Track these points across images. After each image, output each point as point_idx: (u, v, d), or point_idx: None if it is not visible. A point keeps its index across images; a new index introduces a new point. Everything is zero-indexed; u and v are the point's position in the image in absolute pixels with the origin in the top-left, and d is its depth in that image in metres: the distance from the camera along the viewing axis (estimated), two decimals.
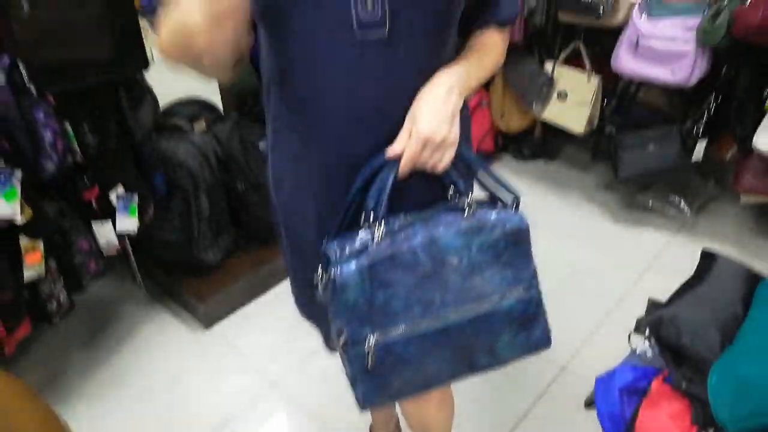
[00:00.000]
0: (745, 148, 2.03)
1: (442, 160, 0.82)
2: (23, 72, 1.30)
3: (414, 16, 0.77)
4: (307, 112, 0.84)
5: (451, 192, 0.87)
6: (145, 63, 1.40)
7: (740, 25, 1.79)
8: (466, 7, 0.84)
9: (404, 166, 0.80)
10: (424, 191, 0.88)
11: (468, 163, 0.87)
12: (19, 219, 1.29)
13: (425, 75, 0.82)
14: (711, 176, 2.49)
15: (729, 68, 2.04)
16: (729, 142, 2.19)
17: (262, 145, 2.05)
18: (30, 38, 1.14)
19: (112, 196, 1.61)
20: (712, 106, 2.09)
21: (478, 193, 0.91)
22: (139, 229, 1.70)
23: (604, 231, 2.36)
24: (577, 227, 2.39)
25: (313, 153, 0.87)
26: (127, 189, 1.65)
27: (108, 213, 1.61)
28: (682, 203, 2.40)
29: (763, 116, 1.88)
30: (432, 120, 0.79)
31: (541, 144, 2.83)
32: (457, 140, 0.82)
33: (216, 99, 2.22)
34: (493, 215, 0.85)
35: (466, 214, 0.84)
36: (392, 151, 0.81)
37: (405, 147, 0.80)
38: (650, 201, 2.46)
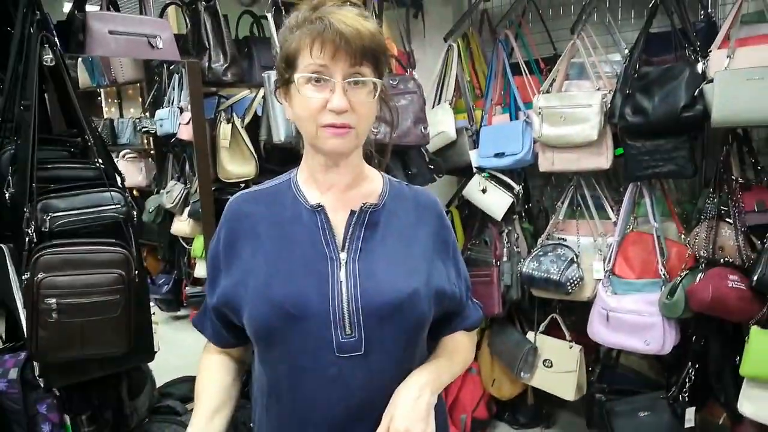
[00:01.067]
0: (734, 414, 2.05)
1: None
2: (36, 368, 1.41)
3: (385, 337, 0.90)
4: (291, 422, 0.93)
5: None
6: (152, 354, 1.52)
7: (695, 301, 1.97)
8: (434, 321, 0.98)
9: None
10: None
11: None
12: None
13: (398, 380, 0.92)
14: None
15: (698, 337, 2.17)
16: (718, 407, 2.21)
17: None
18: (52, 341, 1.26)
19: None
20: (692, 373, 2.17)
21: None
22: None
23: None
24: None
25: None
26: None
27: None
28: None
29: (742, 380, 1.95)
30: (407, 416, 0.87)
31: (536, 410, 2.81)
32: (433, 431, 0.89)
33: None
34: None
35: None
36: None
37: None
38: None
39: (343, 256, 0.91)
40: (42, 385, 1.41)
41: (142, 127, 3.97)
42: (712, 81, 1.91)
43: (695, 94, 1.94)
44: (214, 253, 0.99)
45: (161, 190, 3.76)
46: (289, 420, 0.93)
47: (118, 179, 1.47)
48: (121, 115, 4.36)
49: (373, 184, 1.00)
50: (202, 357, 1.08)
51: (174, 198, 3.88)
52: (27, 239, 1.28)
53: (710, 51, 1.99)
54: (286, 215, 0.95)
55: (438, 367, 0.98)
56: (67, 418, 1.46)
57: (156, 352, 1.57)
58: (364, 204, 0.94)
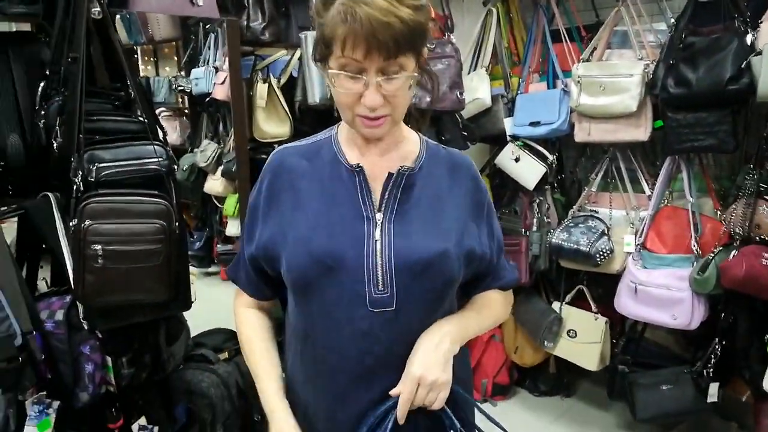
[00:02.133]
0: (758, 391, 2.04)
1: (437, 400, 0.92)
2: (80, 311, 1.48)
3: (415, 294, 0.94)
4: (322, 369, 0.97)
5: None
6: (189, 304, 1.58)
7: (727, 277, 1.95)
8: (465, 280, 1.01)
9: (401, 406, 0.91)
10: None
11: (464, 405, 0.97)
12: None
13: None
14: (732, 418, 2.43)
15: (726, 314, 2.15)
16: (742, 384, 2.21)
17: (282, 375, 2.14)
18: (97, 285, 1.33)
19: (134, 427, 1.66)
20: (718, 349, 2.16)
21: None
22: None
23: None
24: None
25: (323, 403, 0.98)
26: (149, 421, 1.70)
27: None
28: None
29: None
30: (424, 362, 0.91)
31: (557, 379, 2.84)
32: (449, 382, 0.93)
33: None
34: None
35: None
36: (393, 391, 0.93)
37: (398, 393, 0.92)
38: None
39: (379, 216, 0.95)
40: (86, 327, 1.48)
41: (178, 86, 4.02)
42: (760, 53, 1.85)
43: (742, 66, 1.88)
44: (254, 204, 1.03)
45: (195, 149, 3.82)
46: (321, 367, 0.97)
47: (160, 133, 1.50)
48: (157, 74, 4.41)
49: (411, 145, 1.02)
50: (239, 311, 1.11)
51: (207, 157, 3.95)
52: (74, 188, 1.33)
53: (761, 22, 1.92)
54: (327, 172, 0.98)
55: (464, 319, 1.02)
56: (108, 359, 1.54)
57: (193, 302, 1.63)
58: (401, 167, 0.96)
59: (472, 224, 1.02)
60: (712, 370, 2.17)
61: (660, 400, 2.25)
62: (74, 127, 1.35)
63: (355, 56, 0.84)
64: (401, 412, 0.91)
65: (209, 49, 4.07)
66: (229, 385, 2.00)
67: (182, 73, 4.38)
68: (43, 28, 1.68)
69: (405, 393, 0.91)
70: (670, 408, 2.24)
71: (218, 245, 4.02)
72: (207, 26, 4.08)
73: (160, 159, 1.44)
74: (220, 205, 3.94)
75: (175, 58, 5.36)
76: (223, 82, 3.72)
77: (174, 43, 4.93)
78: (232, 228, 3.80)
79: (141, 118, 1.50)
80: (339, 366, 0.95)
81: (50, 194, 1.53)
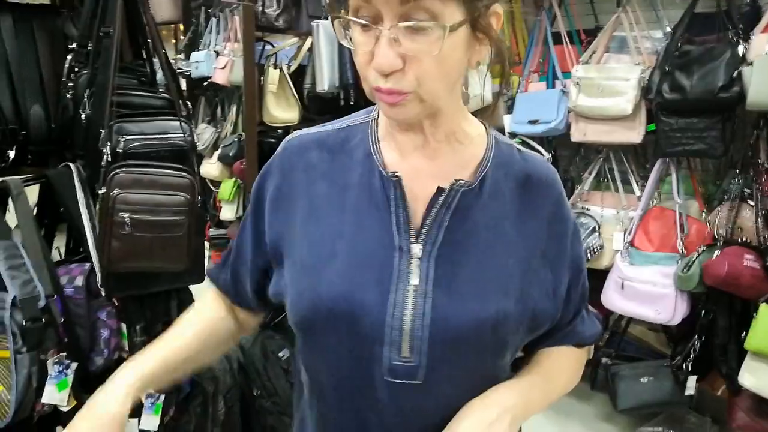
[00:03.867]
0: (733, 386, 2.16)
1: None
2: (98, 278, 1.53)
3: (454, 368, 0.70)
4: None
5: None
6: (203, 276, 1.64)
7: (710, 276, 2.07)
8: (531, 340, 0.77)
9: None
10: None
11: None
12: (66, 407, 1.40)
13: (455, 411, 0.71)
14: (707, 413, 2.56)
15: (707, 312, 2.27)
16: (718, 379, 2.33)
17: (282, 353, 2.21)
18: (123, 251, 1.38)
19: (142, 395, 1.71)
20: (697, 344, 2.28)
21: None
22: (158, 428, 1.76)
23: None
24: None
25: None
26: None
27: (136, 410, 1.69)
28: None
29: (745, 354, 2.06)
30: None
31: None
32: None
33: None
34: None
35: None
36: None
37: None
38: None
39: (416, 249, 0.69)
40: (103, 293, 1.53)
41: (177, 69, 4.03)
42: (751, 64, 1.96)
43: (734, 75, 2.00)
44: (257, 197, 0.80)
45: None
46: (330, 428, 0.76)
47: (184, 110, 1.56)
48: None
49: (473, 147, 0.74)
50: (196, 304, 0.92)
51: (205, 141, 3.99)
52: (104, 158, 1.38)
53: (752, 35, 2.04)
54: (354, 177, 0.73)
55: (531, 389, 0.76)
56: (123, 326, 1.59)
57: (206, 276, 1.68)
58: (456, 181, 0.70)
59: (547, 272, 0.75)
60: (691, 364, 2.29)
61: (640, 391, 2.36)
62: (105, 99, 1.40)
63: None
64: None
65: (210, 33, 4.11)
66: (231, 359, 2.06)
67: (181, 56, 4.39)
68: (66, 2, 1.72)
69: None
70: (649, 399, 2.35)
71: (210, 229, 4.07)
72: (209, 9, 4.10)
73: (183, 134, 1.50)
74: (215, 189, 3.98)
75: (173, 41, 5.37)
76: (224, 67, 3.76)
77: (173, 25, 4.95)
78: (227, 212, 3.85)
79: (165, 95, 1.55)
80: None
81: (72, 165, 1.58)
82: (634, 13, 2.37)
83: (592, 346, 0.88)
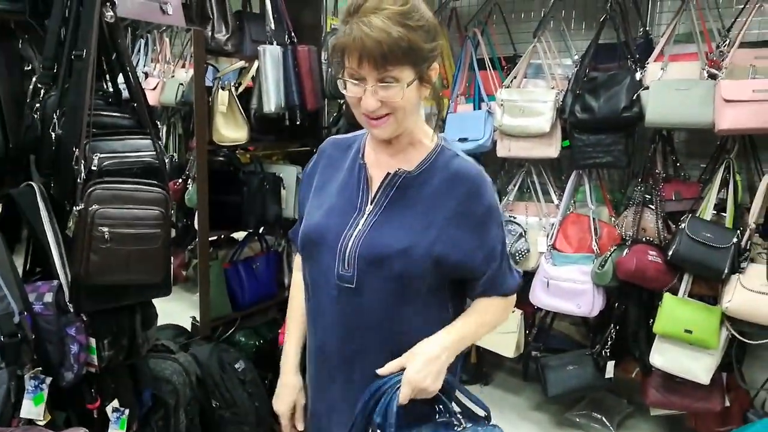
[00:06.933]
0: (645, 367, 2.47)
1: (428, 396, 1.07)
2: (66, 294, 1.56)
3: (374, 281, 1.08)
4: (311, 319, 1.21)
5: (439, 409, 1.11)
6: (170, 289, 1.70)
7: (621, 270, 2.37)
8: (458, 285, 1.16)
9: (402, 400, 1.05)
10: (419, 408, 1.09)
11: (451, 388, 1.12)
12: (42, 422, 1.41)
13: (389, 322, 1.10)
14: (624, 395, 2.88)
15: (620, 304, 2.58)
16: (632, 363, 2.64)
17: (237, 365, 2.28)
18: (102, 265, 1.43)
19: (109, 409, 1.73)
20: (613, 333, 2.58)
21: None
22: None
23: None
24: None
25: (312, 345, 1.22)
26: (121, 403, 1.78)
27: (102, 424, 1.71)
28: (604, 420, 2.72)
29: (654, 338, 2.36)
30: (420, 371, 1.05)
31: (477, 369, 3.17)
32: (438, 389, 1.07)
33: (186, 324, 2.45)
34: (479, 429, 1.09)
35: (458, 429, 1.08)
36: (381, 371, 1.08)
37: (389, 373, 1.07)
38: (577, 419, 2.77)
39: (368, 208, 1.11)
40: (72, 309, 1.56)
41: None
42: (647, 88, 2.30)
43: (634, 98, 2.33)
44: (309, 174, 1.25)
45: None
46: (311, 316, 1.21)
47: (153, 129, 1.63)
48: None
49: (421, 151, 1.13)
50: (294, 272, 1.33)
51: None
52: (79, 176, 1.43)
53: (647, 63, 2.39)
54: (347, 163, 1.18)
55: (464, 329, 1.13)
56: (92, 340, 1.61)
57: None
58: (399, 169, 1.10)
59: (457, 232, 1.08)
60: (608, 350, 2.58)
61: (567, 378, 2.63)
62: (78, 119, 1.44)
63: (351, 65, 0.99)
64: (403, 402, 1.05)
65: (139, 53, 4.07)
66: (190, 372, 2.10)
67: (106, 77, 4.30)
68: (21, 25, 1.75)
69: (403, 392, 1.04)
70: (575, 385, 2.62)
71: None
72: (137, 31, 4.08)
73: (153, 152, 1.57)
74: None
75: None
76: (154, 88, 3.75)
77: None
78: None
79: (128, 115, 1.62)
80: (319, 322, 1.18)
81: (33, 183, 1.61)
82: (547, 43, 2.68)
83: (515, 295, 1.22)
